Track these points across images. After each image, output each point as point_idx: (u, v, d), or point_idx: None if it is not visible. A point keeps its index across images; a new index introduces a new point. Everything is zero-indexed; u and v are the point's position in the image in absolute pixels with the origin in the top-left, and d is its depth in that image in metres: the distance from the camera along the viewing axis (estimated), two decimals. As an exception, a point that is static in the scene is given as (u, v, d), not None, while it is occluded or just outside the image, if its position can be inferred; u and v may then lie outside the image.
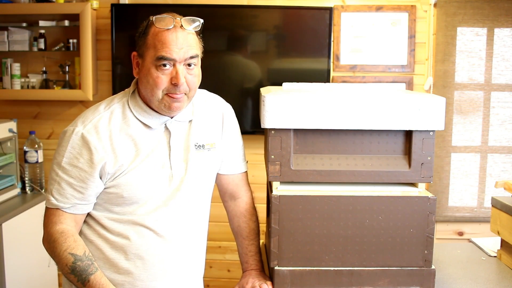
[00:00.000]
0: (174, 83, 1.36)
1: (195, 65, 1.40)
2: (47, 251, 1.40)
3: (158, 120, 1.43)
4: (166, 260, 1.45)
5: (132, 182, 1.39)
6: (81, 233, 1.45)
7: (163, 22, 1.35)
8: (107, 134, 1.38)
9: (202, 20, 1.41)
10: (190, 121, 1.50)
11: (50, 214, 1.40)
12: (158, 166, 1.42)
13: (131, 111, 1.42)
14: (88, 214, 1.44)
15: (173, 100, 1.38)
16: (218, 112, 1.56)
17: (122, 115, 1.42)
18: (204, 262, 1.61)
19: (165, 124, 1.45)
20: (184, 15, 1.40)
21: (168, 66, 1.35)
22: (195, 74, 1.41)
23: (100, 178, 1.38)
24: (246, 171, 1.66)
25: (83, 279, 1.33)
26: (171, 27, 1.34)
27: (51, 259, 1.39)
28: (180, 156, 1.46)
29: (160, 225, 1.43)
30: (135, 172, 1.39)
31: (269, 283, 1.48)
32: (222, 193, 1.66)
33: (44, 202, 1.43)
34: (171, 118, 1.45)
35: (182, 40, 1.36)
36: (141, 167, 1.40)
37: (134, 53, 1.41)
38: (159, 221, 1.43)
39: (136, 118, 1.42)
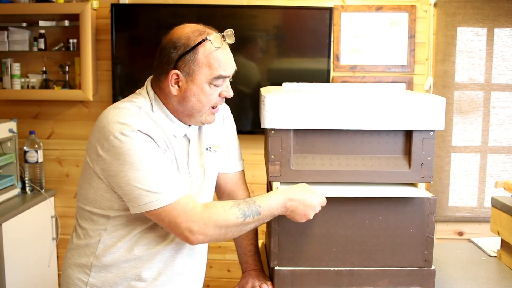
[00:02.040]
0: (224, 97, 1.41)
1: None
2: (209, 232, 1.31)
3: (182, 129, 1.43)
4: (172, 262, 1.46)
5: None
6: (104, 241, 1.40)
7: (215, 40, 1.35)
8: (155, 132, 1.34)
9: (233, 31, 1.40)
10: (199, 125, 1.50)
11: (174, 210, 1.29)
12: (180, 174, 1.42)
13: (154, 120, 1.37)
14: (119, 226, 1.40)
15: (214, 111, 1.43)
16: (219, 113, 1.57)
17: (150, 120, 1.36)
18: (205, 261, 1.61)
19: (186, 133, 1.45)
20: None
21: (221, 83, 1.39)
22: None
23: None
24: (243, 170, 1.67)
25: (255, 211, 1.33)
26: (222, 44, 1.36)
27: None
28: (197, 161, 1.47)
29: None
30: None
31: (269, 283, 1.49)
32: (220, 193, 1.66)
33: (141, 206, 1.30)
34: (189, 126, 1.45)
35: (231, 55, 1.40)
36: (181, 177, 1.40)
37: (176, 71, 1.34)
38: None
39: (160, 127, 1.37)
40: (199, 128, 1.50)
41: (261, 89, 1.62)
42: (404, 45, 3.01)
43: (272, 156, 1.44)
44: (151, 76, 1.45)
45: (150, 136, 1.31)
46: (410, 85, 3.02)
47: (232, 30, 1.39)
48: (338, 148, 1.46)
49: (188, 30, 1.36)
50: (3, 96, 3.04)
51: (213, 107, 1.42)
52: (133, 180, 1.28)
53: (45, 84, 3.04)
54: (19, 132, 2.97)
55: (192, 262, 1.50)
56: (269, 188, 1.53)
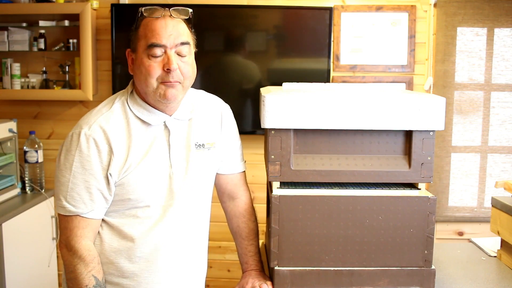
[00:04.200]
0: (167, 69, 1.36)
1: (187, 53, 1.40)
2: (66, 260, 1.39)
3: (158, 117, 1.43)
4: (170, 261, 1.46)
5: (137, 181, 1.39)
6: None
7: (152, 11, 1.37)
8: (112, 134, 1.38)
9: (191, 10, 1.41)
10: (190, 120, 1.50)
11: (69, 223, 1.38)
12: (157, 163, 1.42)
13: (131, 110, 1.43)
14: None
15: (168, 86, 1.37)
16: (217, 111, 1.57)
17: (123, 114, 1.42)
18: (206, 262, 1.61)
19: (164, 122, 1.45)
20: (190, 12, 1.41)
21: (159, 53, 1.36)
22: (188, 62, 1.40)
23: (111, 176, 1.38)
24: (244, 171, 1.66)
25: None
26: (160, 16, 1.37)
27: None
28: (181, 155, 1.46)
29: (163, 225, 1.44)
30: (139, 170, 1.39)
31: (269, 283, 1.49)
32: (221, 194, 1.66)
33: (55, 207, 1.42)
34: (170, 116, 1.45)
35: (172, 27, 1.37)
36: (143, 165, 1.40)
37: (128, 49, 1.43)
38: (162, 221, 1.43)
39: (136, 116, 1.42)
40: (189, 122, 1.49)
41: (261, 89, 1.62)
42: (404, 45, 3.01)
43: (272, 156, 1.44)
44: None
45: (98, 143, 1.36)
46: (410, 85, 3.02)
47: (184, 7, 1.41)
48: (338, 148, 1.46)
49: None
50: (3, 96, 3.04)
51: (163, 82, 1.37)
52: (56, 179, 1.40)
53: (45, 84, 3.04)
54: (19, 132, 2.97)
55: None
56: (269, 188, 1.53)
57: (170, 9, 1.38)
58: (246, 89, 2.98)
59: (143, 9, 1.38)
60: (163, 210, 1.44)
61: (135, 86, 1.45)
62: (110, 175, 1.37)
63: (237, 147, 1.62)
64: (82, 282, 1.36)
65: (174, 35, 1.36)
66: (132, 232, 1.42)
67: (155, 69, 1.36)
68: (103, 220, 1.43)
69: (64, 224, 1.39)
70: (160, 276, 1.45)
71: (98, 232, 1.43)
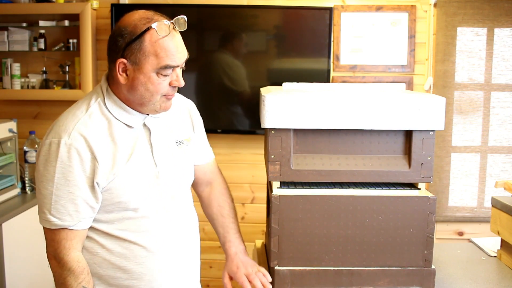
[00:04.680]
0: (175, 86, 1.37)
1: None
2: (55, 272, 1.37)
3: (138, 118, 1.41)
4: (171, 256, 1.46)
5: (125, 184, 1.37)
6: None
7: (161, 28, 1.31)
8: (94, 140, 1.33)
9: (186, 17, 1.37)
10: (165, 118, 1.49)
11: (56, 235, 1.35)
12: (143, 164, 1.40)
13: (110, 112, 1.38)
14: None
15: (168, 99, 1.39)
16: (184, 108, 1.59)
17: (102, 116, 1.37)
18: (199, 259, 1.61)
19: (144, 122, 1.43)
20: (186, 21, 1.38)
21: (170, 72, 1.35)
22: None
23: (97, 184, 1.34)
24: (214, 157, 1.71)
25: None
26: (169, 33, 1.32)
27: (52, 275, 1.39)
28: (164, 153, 1.46)
29: (158, 222, 1.43)
30: (125, 173, 1.37)
31: (262, 269, 1.49)
32: (199, 183, 1.67)
33: (40, 219, 1.38)
34: (147, 115, 1.44)
35: (180, 44, 1.36)
36: (129, 167, 1.37)
37: (122, 60, 1.32)
38: (156, 219, 1.43)
39: (116, 118, 1.38)
40: (165, 121, 1.49)
41: (261, 89, 1.62)
42: (404, 45, 3.01)
43: (272, 156, 1.44)
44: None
45: (80, 152, 1.31)
46: (410, 85, 3.02)
47: (185, 17, 1.35)
48: (338, 148, 1.46)
49: (135, 17, 1.33)
50: (3, 96, 3.04)
51: (165, 96, 1.38)
52: (38, 191, 1.36)
53: (45, 84, 3.04)
54: (19, 132, 2.97)
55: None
56: (269, 188, 1.53)
57: (175, 23, 1.34)
58: (246, 89, 2.98)
59: (156, 27, 1.30)
60: (155, 209, 1.43)
61: (115, 88, 1.39)
62: (97, 184, 1.33)
63: (205, 136, 1.66)
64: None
65: (183, 53, 1.36)
66: (129, 234, 1.40)
67: (164, 86, 1.36)
68: (98, 229, 1.40)
69: (51, 236, 1.36)
70: (166, 271, 1.45)
71: (97, 241, 1.40)
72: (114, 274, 1.41)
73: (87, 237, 1.40)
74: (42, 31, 2.99)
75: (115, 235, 1.40)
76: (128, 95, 1.37)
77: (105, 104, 1.38)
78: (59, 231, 1.35)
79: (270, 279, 1.46)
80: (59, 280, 1.37)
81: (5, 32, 2.98)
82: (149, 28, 1.31)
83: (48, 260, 1.39)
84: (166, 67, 1.33)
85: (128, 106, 1.39)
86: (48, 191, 1.33)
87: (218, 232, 1.65)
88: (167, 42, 1.32)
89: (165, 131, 1.48)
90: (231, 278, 1.56)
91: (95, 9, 3.02)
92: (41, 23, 2.98)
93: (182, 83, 1.38)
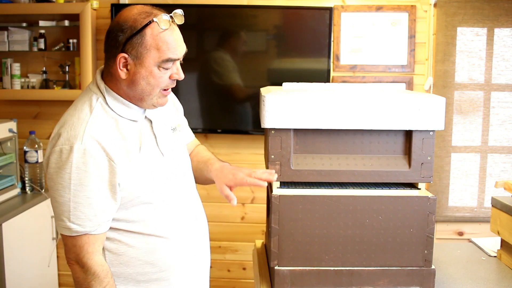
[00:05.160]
0: (175, 79, 1.39)
1: None
2: (78, 277, 1.35)
3: (140, 112, 1.42)
4: (186, 247, 1.48)
5: (140, 178, 1.37)
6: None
7: (162, 22, 1.32)
8: (107, 141, 1.32)
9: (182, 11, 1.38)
10: (158, 108, 1.49)
11: (77, 241, 1.33)
12: (151, 155, 1.42)
13: (113, 111, 1.38)
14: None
15: (166, 94, 1.41)
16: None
17: (107, 116, 1.37)
18: (209, 248, 1.63)
19: (145, 115, 1.45)
20: (184, 15, 1.39)
21: (171, 65, 1.36)
22: None
23: (119, 184, 1.33)
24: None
25: None
26: (169, 26, 1.33)
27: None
28: (166, 142, 1.48)
29: (175, 211, 1.46)
30: (139, 167, 1.38)
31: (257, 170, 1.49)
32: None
33: (58, 227, 1.35)
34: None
35: (179, 37, 1.37)
36: (141, 160, 1.38)
37: (123, 55, 1.32)
38: (173, 208, 1.45)
39: (120, 116, 1.38)
40: (160, 110, 1.50)
41: (261, 89, 1.62)
42: (404, 45, 3.01)
43: (272, 156, 1.44)
44: (100, 67, 1.44)
45: (95, 156, 1.29)
46: (410, 85, 3.02)
47: (182, 10, 1.36)
48: (338, 148, 1.46)
49: (134, 12, 1.33)
50: (3, 96, 3.04)
51: (164, 89, 1.39)
52: (53, 199, 1.33)
53: (45, 84, 3.04)
54: (19, 132, 2.97)
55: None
56: (269, 188, 1.53)
57: (174, 16, 1.35)
58: (246, 89, 2.98)
59: (157, 20, 1.31)
60: (169, 198, 1.45)
61: (113, 85, 1.39)
62: (118, 184, 1.33)
63: (186, 122, 1.71)
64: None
65: (182, 46, 1.38)
66: (149, 227, 1.41)
67: (165, 80, 1.37)
68: (119, 228, 1.40)
69: (72, 243, 1.34)
70: (185, 257, 1.48)
71: (120, 240, 1.40)
72: (142, 270, 1.42)
73: (110, 239, 1.40)
74: (42, 31, 2.99)
75: (137, 231, 1.41)
76: (128, 90, 1.37)
77: (107, 104, 1.38)
78: (81, 237, 1.33)
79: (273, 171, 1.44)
80: (83, 285, 1.35)
81: (5, 32, 2.98)
82: (150, 22, 1.32)
83: (70, 266, 1.36)
84: (168, 60, 1.34)
85: (129, 101, 1.40)
86: (65, 198, 1.30)
87: (201, 169, 1.63)
88: (168, 36, 1.33)
89: (162, 120, 1.50)
90: (230, 189, 1.50)
91: (95, 9, 3.02)
92: (41, 23, 2.98)
93: (182, 76, 1.39)
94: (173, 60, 1.35)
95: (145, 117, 1.44)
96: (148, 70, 1.34)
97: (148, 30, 1.32)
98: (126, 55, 1.33)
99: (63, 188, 1.30)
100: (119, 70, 1.34)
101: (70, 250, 1.35)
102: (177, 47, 1.35)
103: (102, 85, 1.40)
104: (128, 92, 1.38)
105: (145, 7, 1.36)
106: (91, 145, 1.29)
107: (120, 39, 1.32)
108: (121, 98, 1.39)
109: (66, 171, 1.29)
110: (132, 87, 1.36)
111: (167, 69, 1.36)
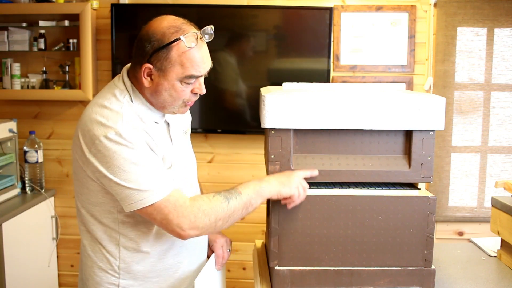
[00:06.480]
0: (196, 93, 1.41)
1: None
2: (199, 222, 1.34)
3: (160, 115, 1.46)
4: (196, 245, 1.57)
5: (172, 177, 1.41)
6: (120, 255, 1.45)
7: (189, 40, 1.33)
8: (141, 129, 1.36)
9: (213, 27, 1.40)
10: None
11: (171, 200, 1.32)
12: (168, 156, 1.44)
13: (138, 111, 1.40)
14: (121, 234, 1.43)
15: (187, 105, 1.44)
16: None
17: (135, 114, 1.38)
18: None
19: (164, 119, 1.48)
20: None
21: (194, 81, 1.38)
22: None
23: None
24: None
25: (236, 192, 1.41)
26: (196, 44, 1.34)
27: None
28: (180, 145, 1.52)
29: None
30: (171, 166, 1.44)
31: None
32: None
33: (137, 203, 1.31)
34: None
35: (206, 54, 1.39)
36: (162, 160, 1.42)
37: (148, 65, 1.34)
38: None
39: (144, 117, 1.40)
40: (173, 114, 1.52)
41: (261, 89, 1.62)
42: (404, 45, 3.01)
43: (272, 156, 1.44)
44: (128, 65, 1.46)
45: (133, 135, 1.32)
46: (410, 85, 3.02)
47: (212, 27, 1.38)
48: (338, 148, 1.46)
49: (164, 25, 1.34)
50: (3, 96, 3.04)
51: (186, 101, 1.42)
52: (121, 181, 1.31)
53: (45, 84, 3.04)
54: (19, 132, 2.97)
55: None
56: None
57: (202, 33, 1.37)
58: (246, 89, 2.98)
59: (184, 39, 1.32)
60: None
61: (139, 88, 1.41)
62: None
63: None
64: (218, 209, 1.36)
65: (208, 63, 1.39)
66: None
67: (187, 94, 1.39)
68: (137, 229, 1.43)
69: (167, 208, 1.32)
70: (194, 253, 1.57)
71: (137, 241, 1.43)
72: (152, 267, 1.47)
73: (126, 237, 1.43)
74: (42, 31, 2.99)
75: (151, 232, 1.44)
76: (151, 98, 1.41)
77: (132, 102, 1.40)
78: (171, 195, 1.33)
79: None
80: (203, 217, 1.34)
81: (5, 32, 2.98)
82: (177, 39, 1.32)
83: (187, 231, 1.34)
84: (191, 77, 1.36)
85: (151, 105, 1.43)
86: (135, 174, 1.30)
87: None
88: (194, 53, 1.34)
89: (178, 124, 1.54)
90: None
91: (95, 9, 3.01)
92: (41, 23, 2.98)
93: (204, 91, 1.42)
94: (196, 77, 1.38)
95: (165, 120, 1.48)
96: (170, 84, 1.36)
97: (174, 46, 1.33)
98: (151, 66, 1.35)
99: (132, 164, 1.30)
100: (143, 78, 1.37)
101: (169, 215, 1.32)
102: (202, 64, 1.37)
103: (129, 84, 1.42)
104: (151, 99, 1.41)
105: (176, 21, 1.36)
106: (132, 126, 1.33)
107: (147, 50, 1.34)
108: (147, 102, 1.42)
109: (123, 151, 1.29)
110: (154, 96, 1.39)
111: (189, 84, 1.38)
